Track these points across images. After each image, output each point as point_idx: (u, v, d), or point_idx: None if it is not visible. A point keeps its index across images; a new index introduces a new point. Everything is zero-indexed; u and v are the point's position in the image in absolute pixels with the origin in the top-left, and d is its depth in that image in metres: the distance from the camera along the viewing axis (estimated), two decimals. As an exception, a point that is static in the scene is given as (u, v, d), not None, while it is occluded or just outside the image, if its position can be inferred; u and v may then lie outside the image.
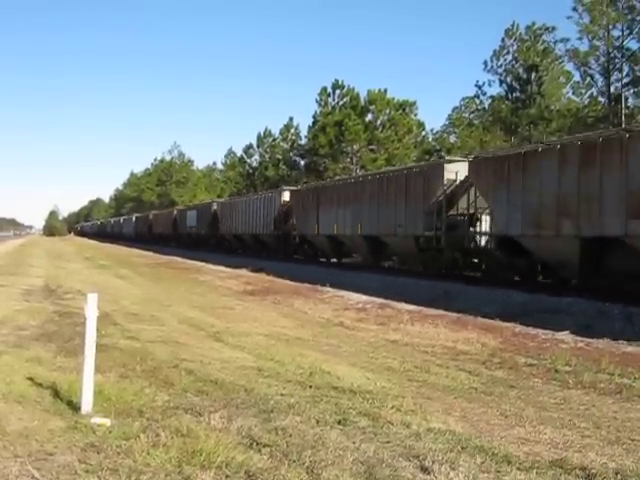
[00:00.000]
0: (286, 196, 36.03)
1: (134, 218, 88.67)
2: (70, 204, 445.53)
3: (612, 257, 15.79)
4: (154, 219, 74.28)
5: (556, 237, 16.76)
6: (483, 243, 21.44)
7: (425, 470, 4.81)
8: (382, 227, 25.50)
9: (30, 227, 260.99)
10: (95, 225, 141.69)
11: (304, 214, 32.74)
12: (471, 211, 21.53)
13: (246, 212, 41.68)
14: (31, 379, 7.04)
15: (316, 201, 31.46)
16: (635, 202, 14.31)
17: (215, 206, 50.32)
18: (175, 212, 64.66)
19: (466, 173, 21.43)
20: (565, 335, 12.85)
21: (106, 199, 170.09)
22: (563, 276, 18.04)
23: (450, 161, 23.28)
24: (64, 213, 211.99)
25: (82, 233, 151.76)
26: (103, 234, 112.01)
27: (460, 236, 21.91)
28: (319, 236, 31.34)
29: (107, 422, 5.58)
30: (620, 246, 15.19)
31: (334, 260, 30.94)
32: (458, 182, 21.86)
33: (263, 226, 38.34)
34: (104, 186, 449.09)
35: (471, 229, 21.72)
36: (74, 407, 6.02)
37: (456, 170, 21.94)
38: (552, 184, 16.66)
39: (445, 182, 22.07)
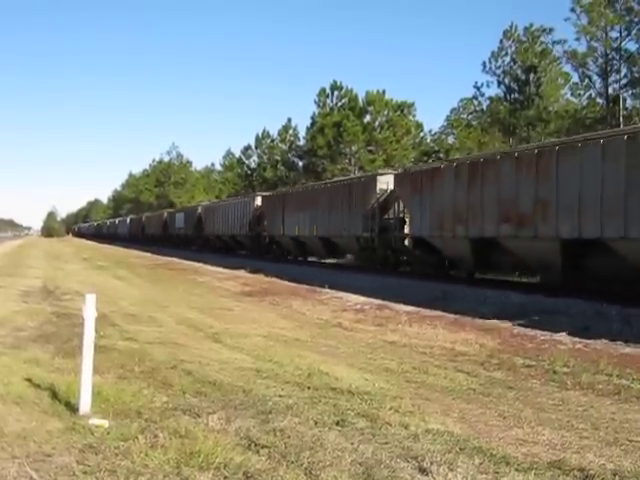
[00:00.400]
0: (259, 201, 39.82)
1: (128, 220, 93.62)
2: (68, 205, 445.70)
3: (492, 253, 19.77)
4: (147, 221, 78.59)
5: (453, 238, 20.67)
6: (407, 243, 25.00)
7: (423, 471, 4.81)
8: (332, 229, 29.46)
9: (28, 228, 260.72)
10: (92, 226, 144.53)
11: (273, 217, 36.67)
12: (400, 216, 25.27)
13: (226, 215, 45.74)
14: (29, 380, 7.04)
15: (282, 206, 35.46)
16: (504, 209, 18.11)
17: (200, 209, 54.34)
18: (165, 214, 68.84)
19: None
20: (563, 336, 12.86)
21: (104, 200, 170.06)
22: (462, 269, 22.25)
23: (382, 174, 27.35)
24: (62, 214, 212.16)
25: (80, 234, 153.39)
26: (100, 235, 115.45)
27: (390, 237, 25.75)
28: (284, 237, 35.12)
29: (105, 423, 5.58)
30: (496, 244, 18.95)
31: (303, 258, 33.48)
32: (389, 191, 25.75)
33: (240, 227, 42.37)
34: (102, 187, 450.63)
35: (399, 231, 25.26)
36: (72, 408, 6.02)
37: (387, 181, 25.93)
38: (450, 195, 20.56)
39: (378, 191, 26.15)
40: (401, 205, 25.10)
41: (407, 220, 24.54)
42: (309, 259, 34.93)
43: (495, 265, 21.01)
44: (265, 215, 38.20)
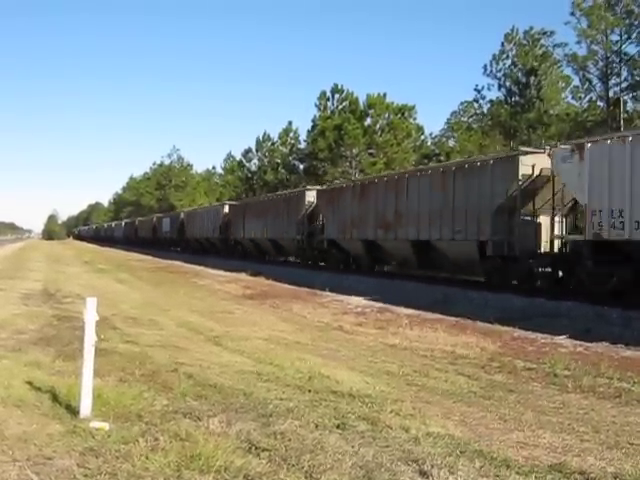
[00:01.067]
0: (226, 209, 46.42)
1: (123, 223, 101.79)
2: (69, 208, 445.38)
3: (376, 251, 26.69)
4: (139, 224, 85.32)
5: (352, 239, 27.94)
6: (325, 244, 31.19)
7: (424, 474, 4.81)
8: (277, 233, 36.11)
9: (29, 231, 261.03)
10: (91, 229, 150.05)
11: (236, 223, 43.75)
12: (321, 223, 31.77)
13: (202, 220, 52.49)
14: (30, 383, 7.04)
15: (243, 214, 42.66)
16: (380, 219, 25.36)
17: (182, 215, 61.63)
18: (154, 219, 75.26)
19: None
20: (564, 339, 12.86)
21: (105, 203, 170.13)
22: (363, 264, 28.40)
23: (310, 189, 34.03)
24: (63, 217, 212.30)
25: (80, 237, 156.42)
26: (98, 237, 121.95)
27: (315, 240, 32.07)
28: (245, 239, 42.10)
29: (106, 426, 5.58)
30: (377, 244, 26.21)
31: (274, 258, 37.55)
32: (314, 204, 32.63)
33: (212, 231, 48.37)
34: (103, 190, 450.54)
35: (320, 235, 31.55)
36: (73, 411, 6.02)
37: (313, 195, 32.77)
38: (349, 208, 28.00)
39: (306, 204, 32.91)
40: (322, 214, 31.87)
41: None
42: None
43: (380, 260, 27.82)
44: (231, 221, 44.82)
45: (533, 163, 18.44)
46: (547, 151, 17.83)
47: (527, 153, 19.08)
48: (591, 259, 16.08)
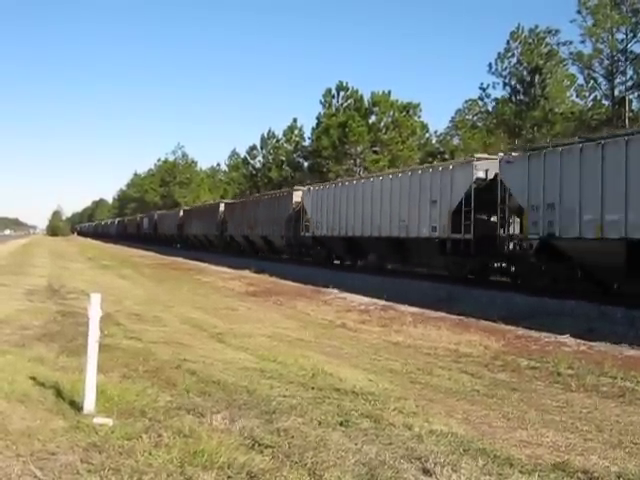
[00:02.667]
0: (222, 207, 49.92)
1: (116, 222, 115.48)
2: (74, 204, 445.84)
3: (355, 247, 29.49)
4: (128, 223, 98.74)
5: (332, 236, 30.66)
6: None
7: (427, 472, 4.80)
8: (269, 230, 38.68)
9: (34, 227, 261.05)
10: (91, 226, 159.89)
11: (231, 220, 46.98)
12: (307, 222, 34.48)
13: (199, 218, 57.49)
14: (34, 379, 7.04)
15: (238, 212, 45.99)
16: (359, 217, 27.74)
17: (156, 216, 75.13)
18: (138, 218, 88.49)
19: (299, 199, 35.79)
20: (567, 338, 12.84)
21: (109, 200, 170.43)
22: (342, 259, 32.70)
23: (297, 190, 37.06)
24: (68, 213, 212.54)
25: (82, 233, 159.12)
26: (97, 233, 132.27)
27: (301, 236, 34.58)
28: (239, 236, 45.08)
29: (109, 422, 5.57)
30: (356, 241, 29.03)
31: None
32: (301, 203, 34.93)
33: (209, 228, 52.41)
34: (108, 187, 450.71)
35: (306, 232, 34.04)
36: (76, 407, 6.02)
37: (300, 195, 35.29)
38: (331, 208, 30.63)
39: (293, 203, 35.67)
40: (307, 213, 33.57)
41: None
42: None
43: (359, 255, 30.55)
44: (227, 219, 47.88)
45: (487, 168, 20.78)
46: (499, 158, 20.39)
47: (481, 159, 21.69)
48: (534, 256, 18.58)
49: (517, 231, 19.78)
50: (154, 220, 75.39)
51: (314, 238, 32.73)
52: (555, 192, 17.01)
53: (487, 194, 20.19)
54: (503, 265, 21.42)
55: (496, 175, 19.94)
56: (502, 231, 20.31)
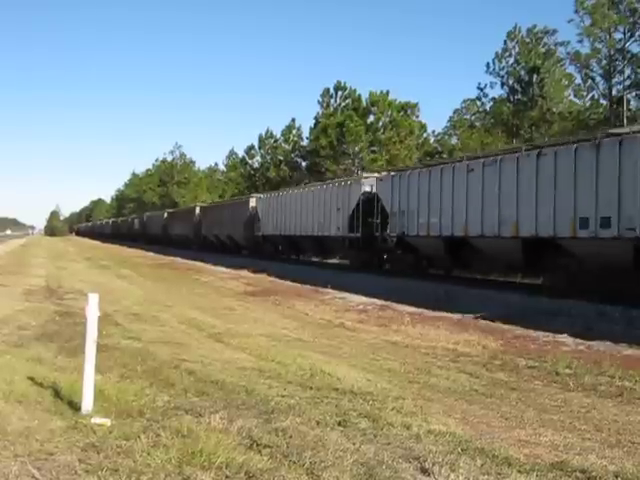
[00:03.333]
0: (198, 210, 57.78)
1: (111, 222, 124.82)
2: (72, 205, 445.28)
3: (295, 244, 36.36)
4: (120, 223, 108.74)
5: (275, 235, 37.84)
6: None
7: (425, 472, 4.81)
8: (232, 230, 46.24)
9: (32, 227, 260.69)
10: (88, 226, 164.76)
11: (205, 222, 54.73)
12: (259, 223, 42.13)
13: (177, 221, 66.06)
14: (32, 379, 7.04)
15: (206, 215, 55.03)
16: (295, 219, 34.43)
17: (145, 217, 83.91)
18: (129, 220, 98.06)
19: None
20: (566, 337, 12.86)
21: (108, 200, 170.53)
22: (285, 253, 39.21)
23: (252, 197, 45.00)
24: (66, 213, 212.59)
25: (79, 233, 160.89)
26: (94, 233, 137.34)
27: (255, 235, 42.08)
28: (211, 235, 52.47)
29: (107, 422, 5.58)
30: (294, 239, 35.75)
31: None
32: (255, 208, 42.89)
33: (188, 230, 59.27)
34: (106, 187, 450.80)
35: (259, 232, 41.52)
36: (75, 407, 6.02)
37: (255, 201, 43.08)
38: (276, 212, 37.72)
39: (250, 208, 43.13)
40: (259, 216, 41.17)
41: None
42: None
43: (298, 250, 38.08)
44: (202, 220, 55.57)
45: (372, 184, 28.35)
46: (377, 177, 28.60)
47: (368, 177, 29.87)
48: (394, 248, 26.42)
49: (388, 231, 26.13)
50: (144, 221, 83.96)
51: (263, 237, 40.41)
52: (405, 203, 24.37)
53: (371, 203, 27.53)
54: (384, 257, 28.39)
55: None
56: (379, 231, 26.97)
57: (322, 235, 32.17)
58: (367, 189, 28.18)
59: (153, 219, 78.39)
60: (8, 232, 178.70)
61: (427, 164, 26.07)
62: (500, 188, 19.41)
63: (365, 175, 30.75)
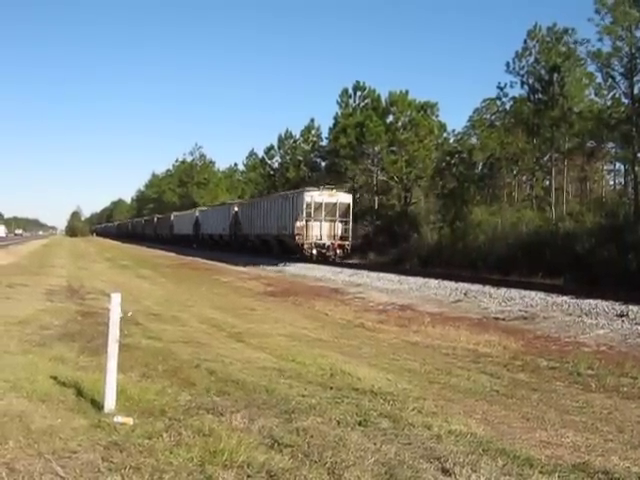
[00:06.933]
0: (197, 213, 67.50)
1: (116, 224, 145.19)
2: (93, 205, 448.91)
3: (264, 242, 44.58)
4: (129, 224, 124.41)
5: (250, 234, 47.17)
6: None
7: (446, 472, 4.79)
8: (220, 230, 56.11)
9: (54, 228, 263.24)
10: (106, 227, 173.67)
11: (205, 222, 63.22)
12: (240, 225, 51.77)
13: (179, 221, 76.55)
14: (55, 378, 7.09)
15: (203, 217, 64.49)
16: (228, 225, 52.56)
17: (155, 219, 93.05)
18: (143, 221, 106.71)
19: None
20: (587, 338, 12.77)
21: (128, 200, 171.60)
22: (257, 249, 45.60)
23: (232, 203, 56.05)
24: (87, 214, 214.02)
25: (98, 233, 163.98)
26: (107, 233, 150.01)
27: (237, 234, 51.91)
28: (206, 233, 62.02)
29: (130, 421, 5.61)
30: (263, 238, 45.22)
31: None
32: (237, 212, 52.26)
33: (189, 229, 69.28)
34: (126, 187, 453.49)
35: (241, 232, 51.03)
36: (97, 406, 6.06)
37: (236, 207, 52.85)
38: (251, 216, 47.43)
39: (232, 212, 52.43)
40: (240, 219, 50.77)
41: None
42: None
43: (270, 247, 43.71)
44: (201, 221, 64.97)
45: (311, 195, 37.07)
46: (318, 189, 38.03)
47: (309, 191, 37.93)
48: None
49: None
50: (154, 223, 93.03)
51: (242, 235, 49.36)
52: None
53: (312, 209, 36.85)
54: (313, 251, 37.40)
55: (313, 198, 36.98)
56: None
57: (279, 234, 40.71)
58: (308, 199, 36.81)
59: (162, 220, 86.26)
60: (19, 232, 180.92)
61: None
62: (267, 212, 42.21)
63: (307, 188, 39.70)
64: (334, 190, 37.79)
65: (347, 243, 37.16)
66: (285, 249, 39.32)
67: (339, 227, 36.87)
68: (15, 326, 11.27)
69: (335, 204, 36.74)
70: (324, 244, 36.46)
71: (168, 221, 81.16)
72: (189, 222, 69.23)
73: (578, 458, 5.41)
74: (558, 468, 5.05)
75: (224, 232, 54.13)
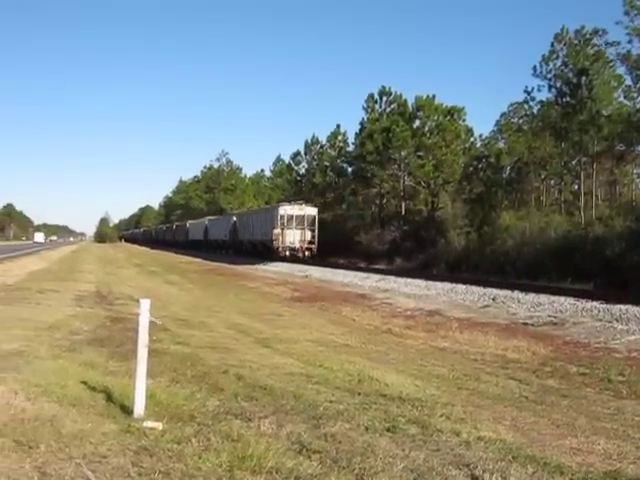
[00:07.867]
0: (206, 221, 77.27)
1: (142, 230, 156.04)
2: (121, 212, 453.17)
3: (256, 246, 52.83)
4: (152, 230, 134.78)
5: (244, 239, 57.09)
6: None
7: (475, 479, 4.76)
8: (222, 235, 66.69)
9: (82, 234, 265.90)
10: (133, 233, 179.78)
11: (214, 229, 72.22)
12: (238, 232, 61.34)
13: (193, 229, 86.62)
14: (85, 383, 7.15)
15: (211, 225, 73.76)
16: (229, 232, 63.36)
17: (174, 226, 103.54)
18: (164, 228, 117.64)
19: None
20: (618, 344, 12.62)
21: (156, 206, 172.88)
22: (251, 252, 52.44)
23: (232, 214, 67.44)
24: (115, 220, 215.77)
25: (126, 239, 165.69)
26: (134, 239, 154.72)
27: (236, 240, 60.42)
28: (212, 239, 71.67)
29: (159, 426, 5.63)
30: (254, 243, 55.05)
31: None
32: (236, 221, 62.54)
33: (200, 235, 78.73)
34: (154, 194, 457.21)
35: (239, 239, 60.03)
36: (127, 411, 6.10)
37: (235, 217, 63.64)
38: (246, 224, 57.77)
39: (232, 221, 62.43)
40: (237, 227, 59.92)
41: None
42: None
43: (262, 251, 49.27)
44: (209, 228, 74.65)
45: (285, 209, 46.39)
46: (290, 204, 48.10)
47: (282, 205, 48.08)
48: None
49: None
50: (173, 229, 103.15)
51: (239, 241, 57.45)
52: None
53: (285, 220, 45.61)
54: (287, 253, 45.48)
55: (286, 211, 46.17)
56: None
57: (263, 240, 48.94)
58: (282, 212, 46.27)
59: (179, 227, 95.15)
60: (53, 238, 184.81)
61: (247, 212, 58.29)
62: (255, 222, 52.64)
63: (281, 203, 50.67)
64: (303, 204, 48.05)
65: (313, 246, 45.79)
66: (267, 251, 47.11)
67: (307, 234, 45.94)
68: (45, 331, 11.38)
69: (303, 216, 46.17)
70: (295, 247, 45.58)
71: (184, 228, 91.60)
72: (200, 229, 79.54)
73: (609, 466, 5.35)
74: (589, 476, 5.00)
75: (225, 238, 63.92)
